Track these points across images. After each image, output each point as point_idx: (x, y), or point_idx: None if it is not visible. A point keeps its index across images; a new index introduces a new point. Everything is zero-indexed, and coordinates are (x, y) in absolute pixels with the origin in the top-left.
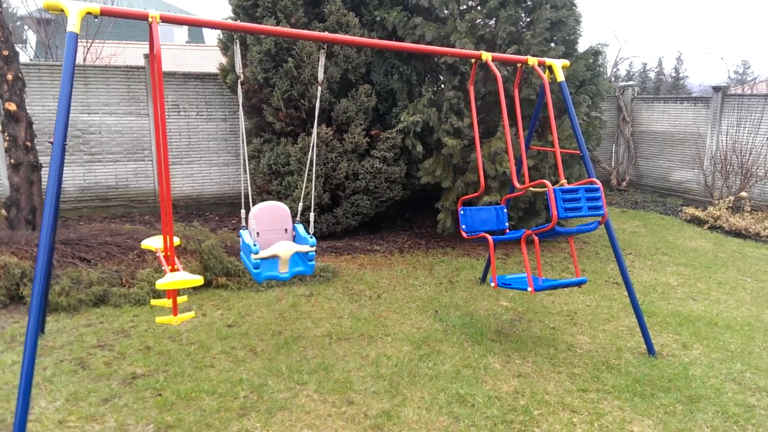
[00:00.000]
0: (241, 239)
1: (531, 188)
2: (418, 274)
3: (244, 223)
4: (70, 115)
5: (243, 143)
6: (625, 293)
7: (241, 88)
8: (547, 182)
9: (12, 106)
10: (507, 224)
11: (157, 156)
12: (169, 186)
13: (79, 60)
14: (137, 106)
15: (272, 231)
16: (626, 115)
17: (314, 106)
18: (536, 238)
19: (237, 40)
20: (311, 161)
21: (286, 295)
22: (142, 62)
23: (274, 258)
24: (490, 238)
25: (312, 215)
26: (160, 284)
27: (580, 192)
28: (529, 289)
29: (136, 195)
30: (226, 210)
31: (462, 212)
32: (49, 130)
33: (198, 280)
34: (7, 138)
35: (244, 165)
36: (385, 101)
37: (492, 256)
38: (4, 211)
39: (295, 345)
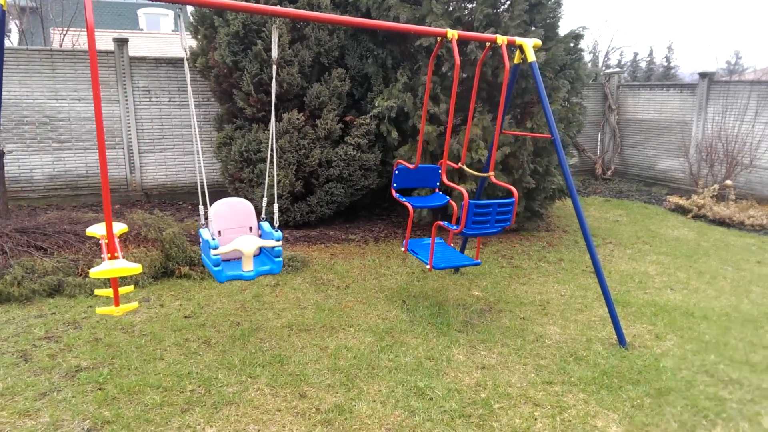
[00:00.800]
0: (200, 237)
1: (454, 188)
2: (391, 264)
3: (203, 220)
4: (38, 101)
5: (195, 129)
6: None
7: (208, 72)
8: (465, 193)
9: None
10: (438, 184)
11: (98, 138)
12: (106, 169)
13: (56, 47)
14: (107, 92)
15: (235, 230)
16: (612, 103)
17: (285, 90)
18: (451, 230)
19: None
20: (272, 148)
21: (251, 286)
22: (111, 47)
23: (236, 255)
24: (409, 205)
25: (276, 206)
26: (94, 273)
27: (492, 207)
28: (428, 266)
29: (111, 183)
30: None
31: (396, 171)
32: (15, 117)
33: (136, 268)
34: None
35: (199, 155)
36: (360, 86)
37: (410, 220)
38: None
39: (252, 337)
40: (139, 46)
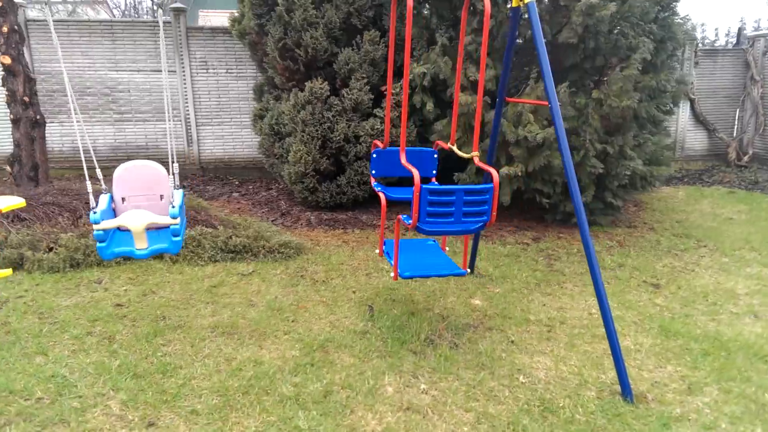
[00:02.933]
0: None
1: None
2: None
3: (104, 186)
4: (99, 72)
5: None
6: (656, 300)
7: (244, 38)
8: (416, 176)
9: (7, 60)
10: (435, 172)
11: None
12: None
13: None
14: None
15: (142, 197)
16: (755, 73)
17: (310, 56)
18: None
19: None
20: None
21: (222, 272)
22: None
23: (125, 230)
24: (382, 195)
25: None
26: None
27: (456, 195)
28: (392, 274)
29: (166, 156)
30: (255, 176)
31: (374, 155)
32: (79, 88)
33: None
34: (7, 93)
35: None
36: (402, 51)
37: (383, 214)
38: (8, 167)
39: (160, 337)
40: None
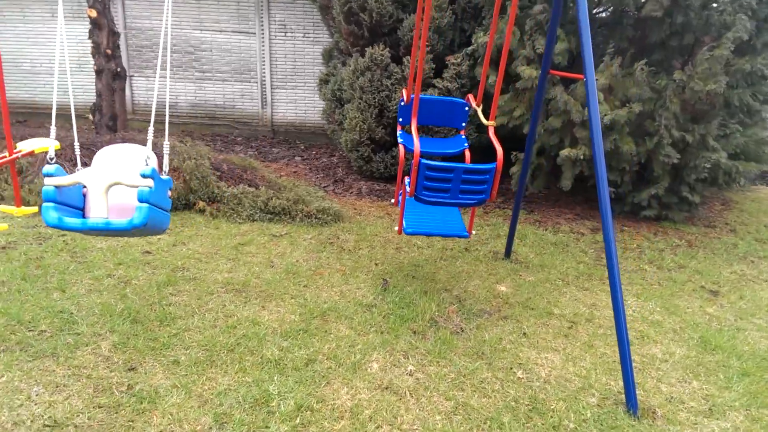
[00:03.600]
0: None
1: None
2: None
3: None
4: (184, 30)
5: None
6: (708, 309)
7: (315, 1)
8: (417, 148)
9: (93, 13)
10: (464, 124)
11: None
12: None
13: None
14: (246, 25)
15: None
16: None
17: (375, 21)
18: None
19: None
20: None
21: (256, 231)
22: None
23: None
24: (401, 147)
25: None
26: None
27: (455, 173)
28: (396, 228)
29: (241, 116)
30: (322, 141)
31: (401, 104)
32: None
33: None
34: (92, 45)
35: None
36: (473, 19)
37: (401, 165)
38: (90, 116)
39: (173, 286)
40: None
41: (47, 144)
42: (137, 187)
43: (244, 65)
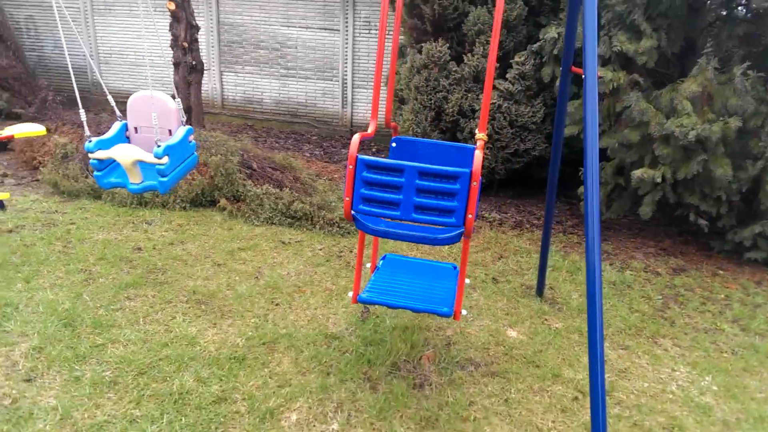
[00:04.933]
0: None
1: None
2: (480, 258)
3: (118, 113)
4: (273, 27)
5: None
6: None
7: None
8: (354, 140)
9: (171, 5)
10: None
11: None
12: None
13: None
14: (331, 21)
15: (152, 128)
16: None
17: (438, 14)
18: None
19: None
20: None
21: (266, 236)
22: None
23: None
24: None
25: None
26: None
27: (406, 175)
28: (350, 293)
29: (322, 115)
30: None
31: (393, 144)
32: (254, 41)
33: None
34: (171, 37)
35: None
36: (552, 13)
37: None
38: None
39: (136, 289)
40: None
41: (35, 129)
42: (156, 164)
43: (328, 63)
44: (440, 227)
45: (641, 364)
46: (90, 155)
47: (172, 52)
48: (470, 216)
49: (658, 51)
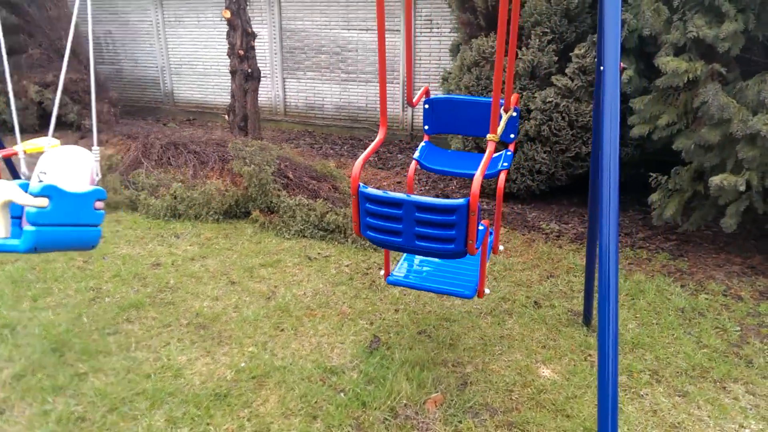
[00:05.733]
0: None
1: None
2: (526, 279)
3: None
4: (333, 31)
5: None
6: None
7: None
8: (355, 172)
9: (227, 14)
10: (513, 136)
11: None
12: None
13: None
14: (391, 22)
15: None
16: None
17: (491, 7)
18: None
19: None
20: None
21: (293, 251)
22: None
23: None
24: (413, 163)
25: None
26: None
27: (404, 209)
28: (382, 272)
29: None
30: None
31: (426, 105)
32: (315, 46)
33: None
34: (228, 45)
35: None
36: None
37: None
38: (226, 116)
39: (139, 311)
40: None
41: (41, 144)
42: (28, 206)
43: (388, 65)
44: (427, 246)
45: (701, 417)
46: None
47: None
48: (471, 242)
49: (744, 35)
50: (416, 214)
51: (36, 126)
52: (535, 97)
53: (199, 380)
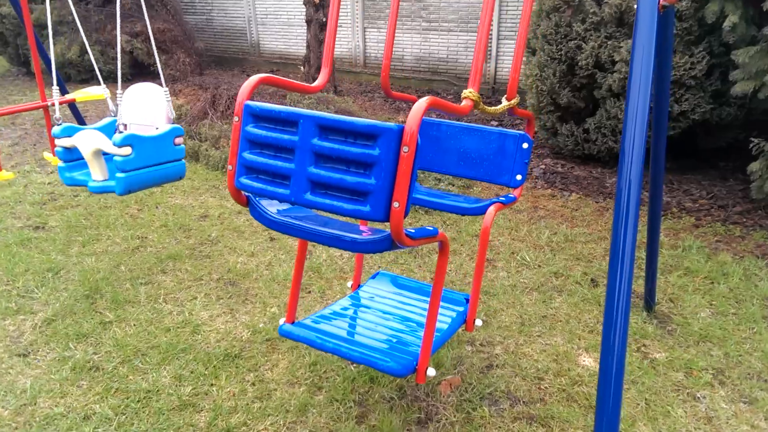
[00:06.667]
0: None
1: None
2: (588, 253)
3: (111, 107)
4: None
5: None
6: None
7: None
8: (245, 95)
9: None
10: (520, 178)
11: None
12: None
13: None
14: None
15: (142, 127)
16: None
17: None
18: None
19: None
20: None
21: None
22: None
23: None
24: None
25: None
26: None
27: (301, 129)
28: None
29: (464, 72)
30: None
31: None
32: None
33: None
34: None
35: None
36: None
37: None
38: (301, 67)
39: (161, 265)
40: None
41: (95, 92)
42: (115, 154)
43: (472, 12)
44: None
45: (765, 429)
46: (56, 142)
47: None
48: (396, 205)
49: None
50: (316, 140)
51: (129, 75)
52: (621, 47)
53: (215, 338)
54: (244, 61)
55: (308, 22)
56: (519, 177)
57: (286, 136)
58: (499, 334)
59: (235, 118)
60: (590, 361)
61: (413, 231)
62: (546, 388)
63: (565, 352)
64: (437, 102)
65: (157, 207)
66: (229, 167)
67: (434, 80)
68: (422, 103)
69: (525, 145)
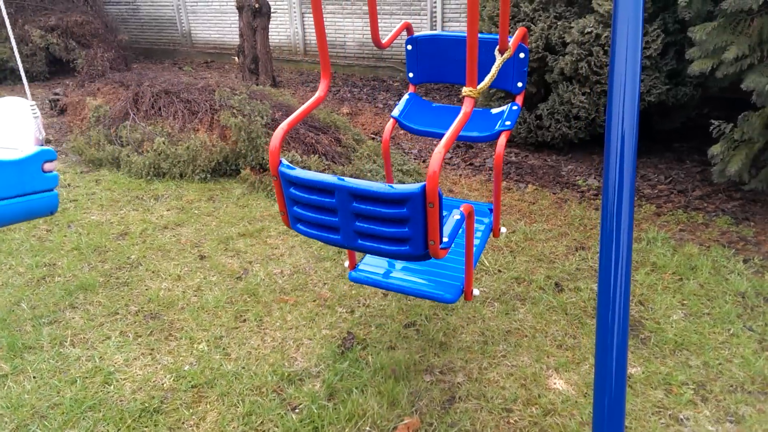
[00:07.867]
0: None
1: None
2: (549, 252)
3: None
4: None
5: None
6: None
7: None
8: (273, 145)
9: None
10: (521, 85)
11: None
12: None
13: None
14: None
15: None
16: None
17: None
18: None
19: None
20: None
21: (277, 218)
22: None
23: None
24: (390, 123)
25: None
26: None
27: (339, 197)
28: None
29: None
30: None
31: (409, 46)
32: None
33: None
34: None
35: None
36: None
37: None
38: (235, 58)
39: (70, 298)
40: None
41: None
42: None
43: None
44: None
45: None
46: None
47: None
48: (432, 242)
49: None
50: (353, 204)
51: (46, 73)
52: (572, 27)
53: (131, 388)
54: (175, 53)
55: (239, 8)
56: (519, 84)
57: (326, 200)
58: (460, 358)
59: (273, 177)
60: (561, 384)
61: (447, 241)
62: (516, 422)
63: (533, 374)
64: (450, 141)
65: (69, 226)
66: (282, 213)
67: (379, 67)
68: (437, 156)
69: (522, 55)
